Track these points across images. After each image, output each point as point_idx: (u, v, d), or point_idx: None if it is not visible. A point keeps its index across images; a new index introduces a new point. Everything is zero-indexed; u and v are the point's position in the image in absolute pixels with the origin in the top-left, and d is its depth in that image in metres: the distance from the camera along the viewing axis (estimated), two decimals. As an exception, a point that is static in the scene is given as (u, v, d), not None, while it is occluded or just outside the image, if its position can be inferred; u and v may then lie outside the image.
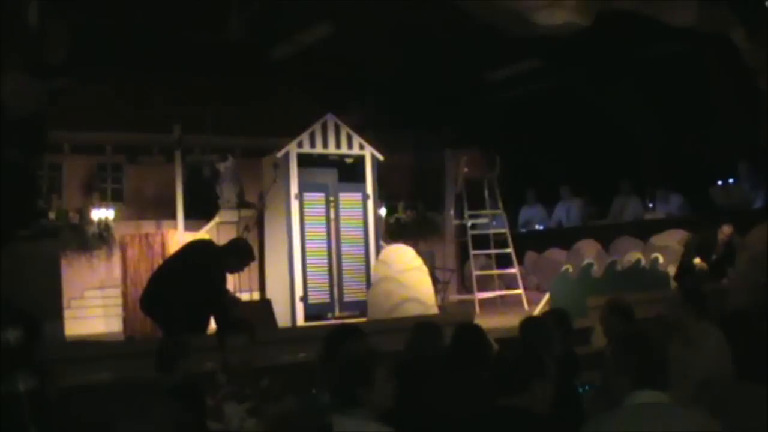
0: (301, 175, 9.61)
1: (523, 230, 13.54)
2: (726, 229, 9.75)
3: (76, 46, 8.02)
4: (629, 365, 2.94)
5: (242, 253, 7.52)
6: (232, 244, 7.71)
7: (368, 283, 9.46)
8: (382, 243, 10.03)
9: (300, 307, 9.34)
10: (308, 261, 9.49)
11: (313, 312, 9.42)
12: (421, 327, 4.77)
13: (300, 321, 9.27)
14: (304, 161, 9.70)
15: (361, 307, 9.40)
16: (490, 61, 12.42)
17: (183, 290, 6.89)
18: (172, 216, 10.41)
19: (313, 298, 9.47)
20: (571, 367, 4.69)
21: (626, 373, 2.94)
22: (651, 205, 12.70)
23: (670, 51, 11.75)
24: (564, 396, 4.05)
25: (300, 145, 9.66)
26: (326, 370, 4.22)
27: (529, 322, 4.88)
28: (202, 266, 7.17)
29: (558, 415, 3.35)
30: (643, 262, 9.81)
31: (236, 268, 7.58)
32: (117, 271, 10.00)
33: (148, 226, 10.76)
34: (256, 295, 9.99)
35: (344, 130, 9.92)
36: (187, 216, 10.27)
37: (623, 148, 12.93)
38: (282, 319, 8.86)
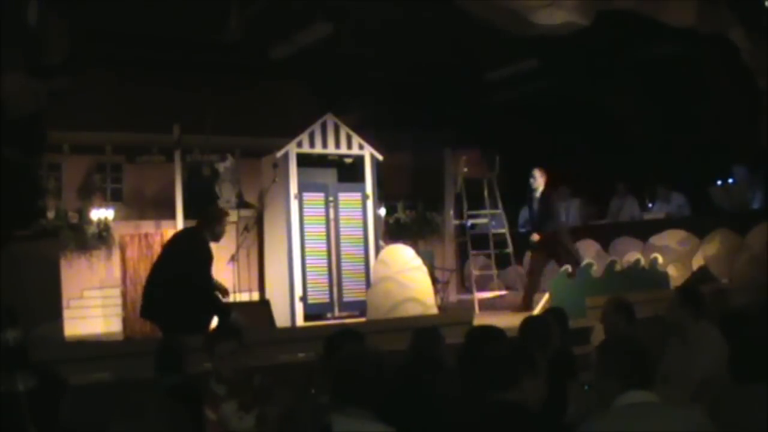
0: (300, 175, 9.62)
1: (523, 230, 13.54)
2: (536, 172, 9.79)
3: (76, 46, 8.01)
4: (618, 367, 2.98)
5: (213, 217, 7.41)
6: (201, 216, 7.62)
7: (368, 283, 9.47)
8: (381, 243, 10.03)
9: (299, 307, 9.35)
10: (308, 261, 9.50)
11: (312, 312, 9.43)
12: (423, 332, 4.78)
13: (299, 321, 9.28)
14: (304, 161, 9.71)
15: (360, 307, 9.41)
16: (490, 61, 12.42)
17: (175, 282, 6.85)
18: (172, 216, 10.41)
19: (312, 298, 9.48)
20: (567, 366, 4.70)
21: (615, 374, 2.98)
22: (650, 205, 12.70)
23: (670, 51, 11.75)
24: (561, 395, 4.07)
25: (299, 145, 9.66)
26: (326, 371, 4.22)
27: (527, 321, 4.89)
28: (185, 251, 7.12)
29: (554, 413, 3.36)
30: (642, 262, 9.82)
31: (218, 233, 7.46)
32: (116, 271, 10.01)
33: (147, 226, 10.76)
34: (255, 296, 10.01)
35: (344, 130, 9.92)
36: (187, 216, 10.26)
37: (622, 148, 12.93)
38: (281, 319, 8.87)
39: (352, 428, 3.18)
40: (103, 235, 10.57)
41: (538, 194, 9.96)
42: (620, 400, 2.93)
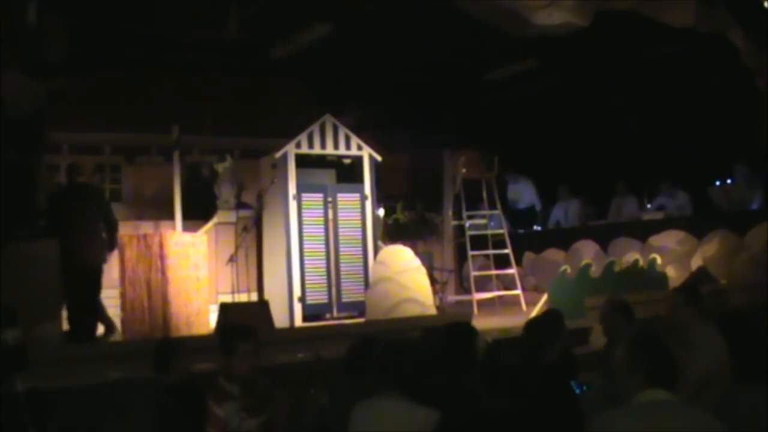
0: (299, 176, 9.61)
1: (521, 230, 13.55)
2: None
3: (75, 46, 8.01)
4: (643, 364, 3.01)
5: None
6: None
7: (366, 284, 9.47)
8: (380, 244, 10.03)
9: (298, 308, 9.34)
10: (306, 262, 9.49)
11: (311, 312, 9.42)
12: (457, 326, 4.71)
13: (298, 321, 9.27)
14: (303, 162, 9.71)
15: (359, 307, 9.40)
16: (490, 61, 12.43)
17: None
18: (171, 216, 10.38)
19: (311, 299, 9.47)
20: (568, 367, 4.69)
21: (640, 372, 3.00)
22: (649, 206, 12.72)
23: (669, 51, 11.76)
24: (561, 396, 4.07)
25: (298, 145, 9.66)
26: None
27: (532, 324, 4.86)
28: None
29: (554, 415, 3.35)
30: (640, 262, 9.82)
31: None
32: (115, 272, 9.96)
33: (146, 227, 10.72)
34: (254, 296, 10.00)
35: (342, 131, 9.92)
36: (186, 217, 10.24)
37: (622, 148, 12.95)
38: (280, 320, 8.87)
39: (396, 411, 3.33)
40: (102, 236, 10.53)
41: None
42: (642, 396, 2.95)
